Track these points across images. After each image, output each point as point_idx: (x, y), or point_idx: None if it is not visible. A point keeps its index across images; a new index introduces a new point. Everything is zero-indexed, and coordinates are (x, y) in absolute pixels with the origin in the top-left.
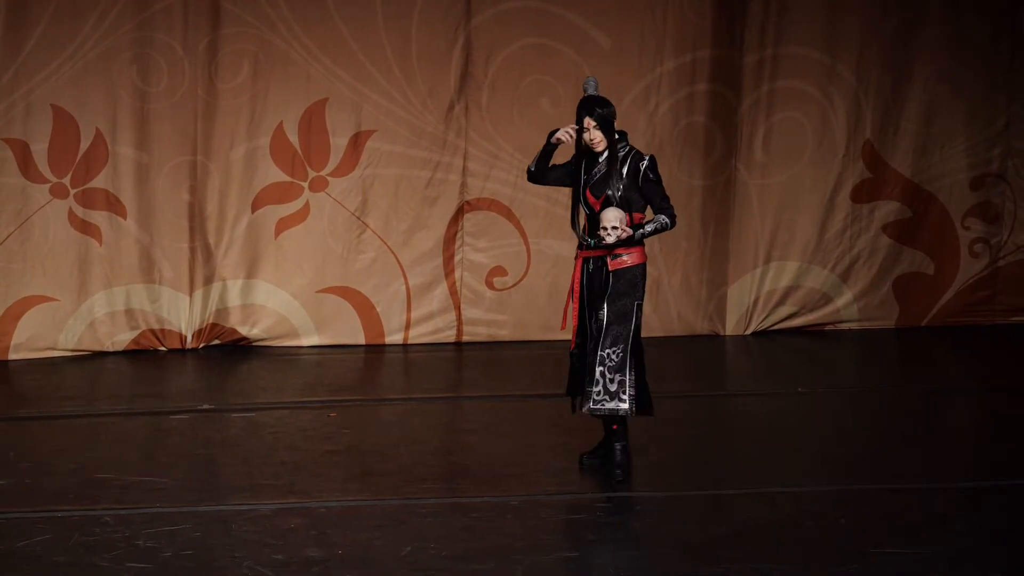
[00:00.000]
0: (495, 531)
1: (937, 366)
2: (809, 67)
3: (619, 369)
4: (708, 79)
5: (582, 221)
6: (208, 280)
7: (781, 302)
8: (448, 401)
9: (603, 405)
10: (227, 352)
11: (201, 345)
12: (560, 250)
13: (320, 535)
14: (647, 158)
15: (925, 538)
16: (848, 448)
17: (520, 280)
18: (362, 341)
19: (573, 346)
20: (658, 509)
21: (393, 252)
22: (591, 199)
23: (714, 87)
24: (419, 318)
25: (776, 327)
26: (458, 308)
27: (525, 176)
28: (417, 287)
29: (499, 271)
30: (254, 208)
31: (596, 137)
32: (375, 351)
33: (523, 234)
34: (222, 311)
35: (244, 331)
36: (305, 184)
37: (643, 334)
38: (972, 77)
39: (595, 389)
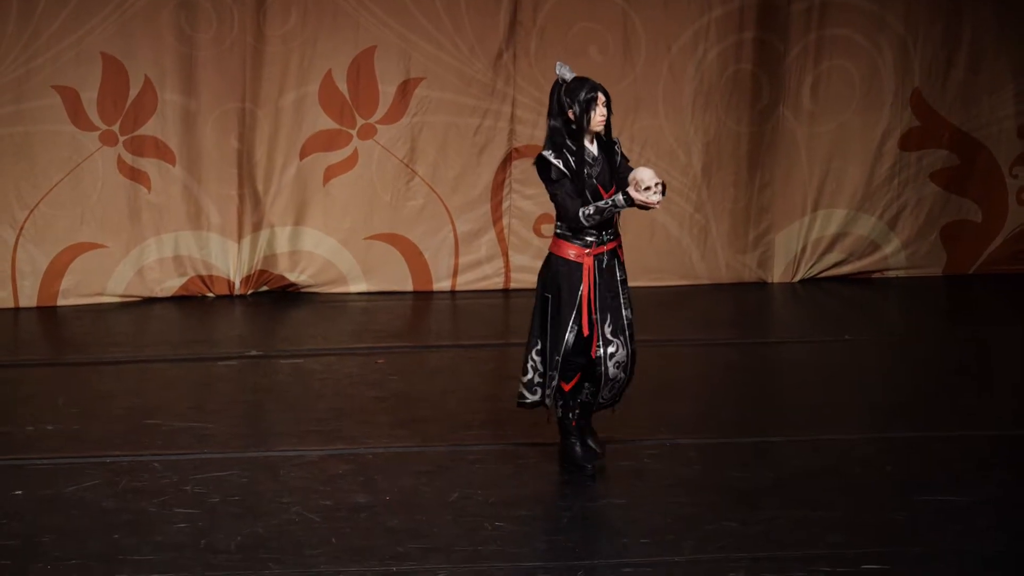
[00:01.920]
0: (541, 477)
1: (984, 314)
2: (857, 15)
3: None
4: (756, 26)
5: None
6: (256, 227)
7: (829, 250)
8: (495, 348)
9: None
10: (275, 298)
11: (249, 291)
12: None
13: (367, 481)
14: (616, 139)
15: (970, 485)
16: (894, 396)
17: None
18: (410, 288)
19: (594, 353)
20: (704, 456)
21: (441, 199)
22: (603, 193)
23: (762, 34)
24: (467, 265)
25: (823, 275)
26: (506, 255)
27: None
28: (465, 234)
29: (547, 218)
30: (302, 155)
31: (603, 115)
32: (422, 298)
33: None
34: (270, 258)
35: (292, 277)
36: (354, 132)
37: (692, 281)
38: (1020, 24)
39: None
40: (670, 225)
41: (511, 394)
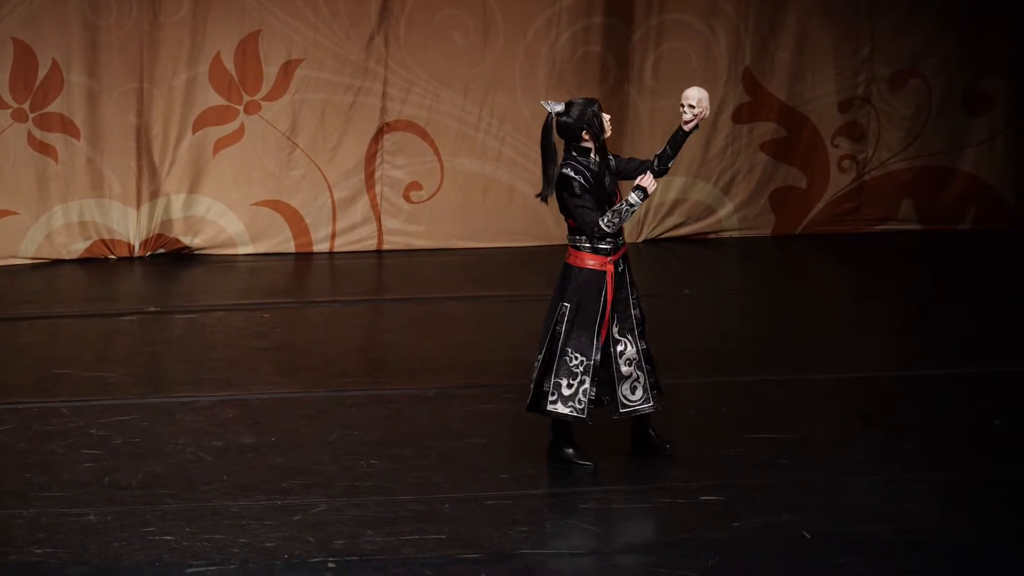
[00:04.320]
0: (412, 420)
1: (809, 270)
2: (694, 1)
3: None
4: (603, 12)
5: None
6: (153, 195)
7: (669, 213)
8: (369, 304)
9: (650, 400)
10: (171, 260)
11: (147, 254)
12: (471, 167)
13: (254, 424)
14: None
15: (799, 425)
16: (730, 345)
17: (434, 194)
18: (292, 249)
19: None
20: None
21: (320, 169)
22: (616, 200)
23: (608, 19)
24: (343, 228)
25: (664, 236)
26: (378, 219)
27: (438, 101)
28: (341, 200)
29: (415, 186)
30: (194, 130)
31: (609, 118)
32: (304, 258)
33: (437, 152)
34: (166, 223)
35: (186, 241)
36: (240, 108)
37: (547, 242)
38: (840, 9)
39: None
40: (526, 192)
41: (384, 345)
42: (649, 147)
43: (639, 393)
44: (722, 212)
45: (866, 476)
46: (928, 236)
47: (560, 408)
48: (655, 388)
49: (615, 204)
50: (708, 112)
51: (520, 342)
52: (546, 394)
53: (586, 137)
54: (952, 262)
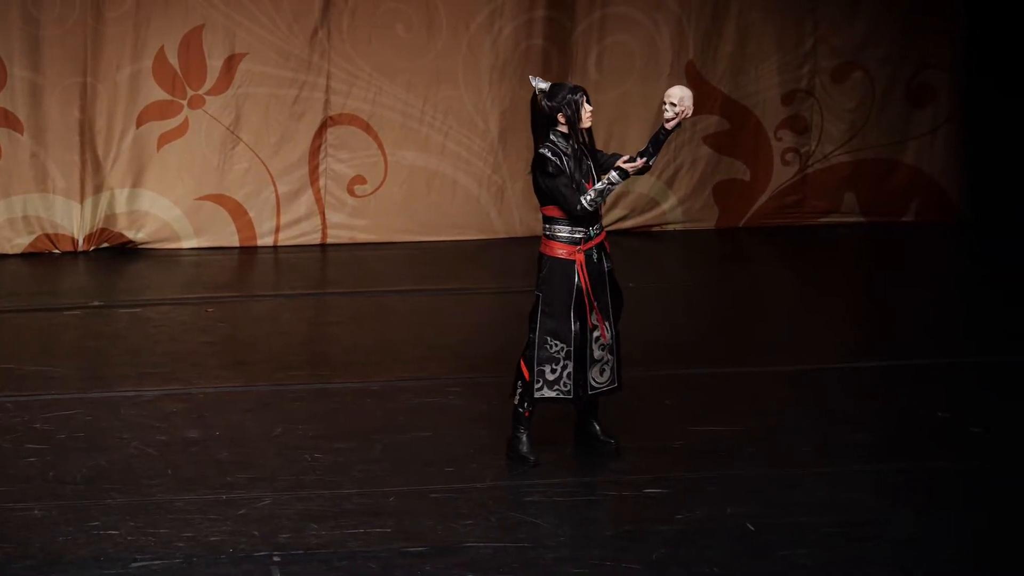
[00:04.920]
0: (356, 413)
1: (753, 262)
2: None
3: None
4: (546, 5)
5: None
6: (97, 189)
7: (613, 206)
8: (314, 297)
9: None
10: (115, 254)
11: (91, 248)
12: (414, 161)
13: (199, 418)
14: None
15: (743, 417)
16: (674, 337)
17: (378, 188)
18: (236, 244)
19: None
20: (502, 392)
21: (264, 163)
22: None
23: (551, 13)
24: (287, 222)
25: (609, 228)
26: (322, 213)
27: (382, 95)
28: (286, 194)
29: (359, 180)
30: (138, 124)
31: (591, 110)
32: (248, 252)
33: (380, 146)
34: (110, 217)
35: (130, 235)
36: (184, 102)
37: (490, 235)
38: (783, 3)
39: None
40: (470, 185)
41: (328, 338)
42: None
43: (607, 375)
44: (666, 205)
45: (810, 468)
46: (871, 228)
47: (547, 393)
48: (619, 373)
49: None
50: (690, 111)
51: (465, 335)
52: (531, 384)
53: (562, 121)
54: (895, 254)
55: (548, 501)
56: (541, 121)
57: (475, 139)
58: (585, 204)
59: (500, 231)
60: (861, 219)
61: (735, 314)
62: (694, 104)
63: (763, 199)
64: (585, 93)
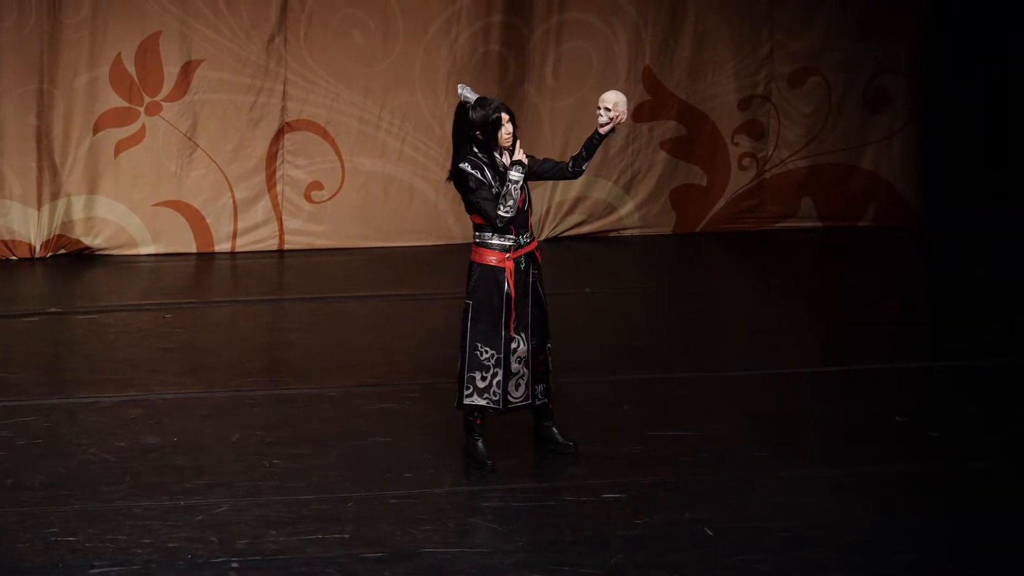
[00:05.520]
0: (314, 419)
1: (710, 267)
2: (593, 0)
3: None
4: (503, 11)
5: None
6: (54, 196)
7: (570, 211)
8: (271, 303)
9: (529, 399)
10: (72, 260)
11: (48, 254)
12: (372, 167)
13: (157, 424)
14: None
15: (701, 422)
16: (631, 342)
17: (335, 194)
18: (193, 250)
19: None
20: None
21: (221, 169)
22: (519, 203)
23: (508, 18)
24: (245, 228)
25: (566, 234)
26: (280, 219)
27: (339, 101)
28: (243, 200)
29: (316, 185)
30: (95, 131)
31: (510, 132)
32: (205, 259)
33: (338, 152)
34: (67, 223)
35: (87, 241)
36: (141, 109)
37: (448, 241)
38: (740, 8)
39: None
40: (427, 191)
41: (286, 344)
42: (549, 146)
43: (522, 390)
44: (623, 210)
45: (767, 472)
46: (828, 233)
47: (477, 400)
48: (545, 389)
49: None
50: (625, 117)
51: (422, 341)
52: (463, 389)
53: (480, 138)
54: (852, 259)
55: (506, 506)
56: (463, 132)
57: (432, 145)
58: (502, 214)
59: (457, 236)
60: (818, 224)
61: (692, 319)
62: (652, 110)
63: (720, 204)
64: (509, 112)
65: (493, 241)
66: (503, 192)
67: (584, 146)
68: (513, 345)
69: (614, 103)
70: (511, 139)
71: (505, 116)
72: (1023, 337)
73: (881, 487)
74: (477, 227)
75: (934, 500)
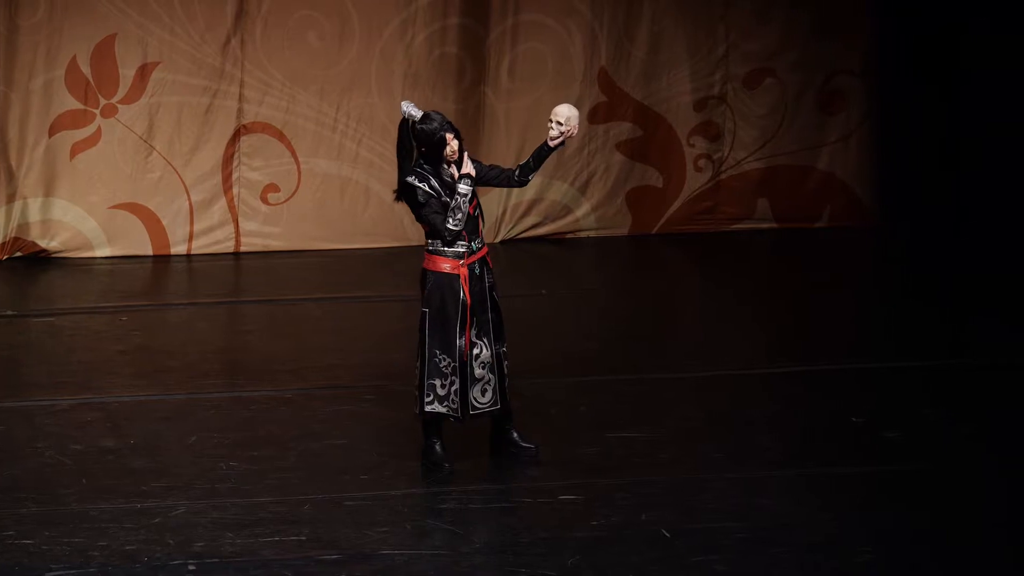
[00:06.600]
0: (271, 421)
1: (665, 269)
2: (549, 2)
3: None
4: (459, 13)
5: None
6: (10, 199)
7: (526, 213)
8: (228, 305)
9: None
10: (28, 263)
11: (4, 257)
12: (328, 168)
13: (114, 427)
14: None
15: (658, 423)
16: (586, 344)
17: (291, 196)
18: (150, 252)
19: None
20: (410, 401)
21: (177, 171)
22: (469, 210)
23: (464, 20)
24: (201, 231)
25: (522, 236)
26: (236, 221)
27: (295, 103)
28: (199, 203)
29: (272, 188)
30: (51, 133)
31: (455, 148)
32: (161, 261)
33: (294, 154)
34: (23, 226)
35: (44, 244)
36: (97, 111)
37: (404, 243)
38: (695, 9)
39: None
40: (383, 193)
41: (243, 347)
42: (505, 147)
43: (488, 396)
44: (579, 212)
45: (723, 473)
46: (784, 234)
47: (437, 407)
48: (503, 393)
49: (470, 215)
50: (576, 131)
51: (378, 343)
52: (424, 396)
53: (425, 152)
54: (808, 260)
55: (463, 508)
56: (408, 147)
57: (388, 147)
58: (451, 226)
59: (413, 238)
60: (774, 225)
61: (648, 320)
62: (608, 112)
63: (676, 205)
64: (454, 129)
65: (446, 248)
66: (452, 205)
67: (532, 155)
68: (476, 351)
69: (566, 117)
70: (456, 155)
71: (450, 135)
72: (978, 337)
73: (838, 487)
74: (428, 234)
75: (891, 500)
